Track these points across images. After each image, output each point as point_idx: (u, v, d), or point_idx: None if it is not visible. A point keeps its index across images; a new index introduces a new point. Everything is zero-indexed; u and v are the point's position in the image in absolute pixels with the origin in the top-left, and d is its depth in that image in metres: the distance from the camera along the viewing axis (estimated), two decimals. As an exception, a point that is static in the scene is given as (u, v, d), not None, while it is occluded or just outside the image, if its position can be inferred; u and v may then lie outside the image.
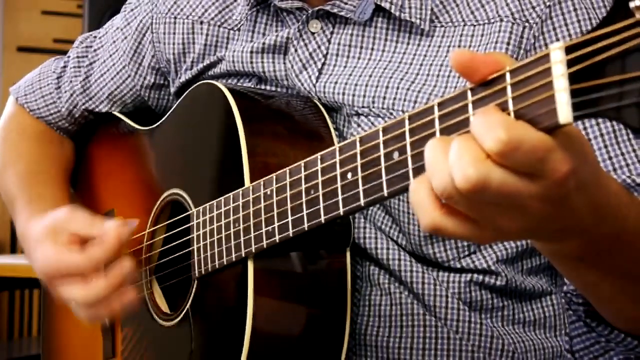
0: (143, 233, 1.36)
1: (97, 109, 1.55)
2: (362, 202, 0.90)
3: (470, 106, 0.74)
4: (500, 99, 0.71)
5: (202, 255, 1.20)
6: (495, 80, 0.72)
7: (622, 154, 1.12)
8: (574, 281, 0.96)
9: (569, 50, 0.66)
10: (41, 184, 1.52)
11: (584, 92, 0.65)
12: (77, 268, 1.21)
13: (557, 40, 1.16)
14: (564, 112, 0.66)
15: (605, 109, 0.64)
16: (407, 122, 0.81)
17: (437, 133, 0.78)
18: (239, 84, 1.35)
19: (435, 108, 0.78)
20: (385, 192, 0.85)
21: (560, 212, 0.76)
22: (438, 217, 0.75)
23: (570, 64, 0.66)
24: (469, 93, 0.74)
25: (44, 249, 1.25)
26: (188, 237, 1.24)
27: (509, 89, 0.71)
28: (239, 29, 1.36)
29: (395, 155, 0.83)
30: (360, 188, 0.89)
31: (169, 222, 1.33)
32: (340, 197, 0.94)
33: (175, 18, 1.42)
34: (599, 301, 0.97)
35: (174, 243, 1.28)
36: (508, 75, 0.71)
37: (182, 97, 1.35)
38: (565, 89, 0.66)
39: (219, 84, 1.24)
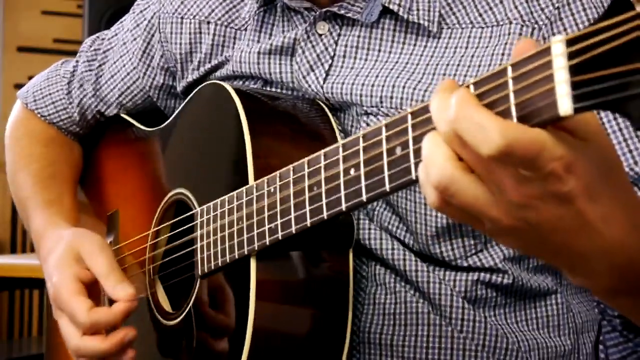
0: (147, 232, 1.36)
1: (108, 111, 1.57)
2: (364, 197, 0.90)
3: (472, 100, 0.74)
4: (502, 93, 0.71)
5: (205, 254, 1.20)
6: (496, 74, 0.72)
7: None
8: (611, 306, 0.94)
9: (569, 43, 0.67)
10: (56, 187, 1.53)
11: (586, 85, 0.65)
12: (77, 321, 1.25)
13: None
14: (564, 104, 0.66)
15: (607, 100, 0.64)
16: (409, 117, 0.82)
17: None
18: (244, 85, 1.35)
19: None
20: (387, 187, 0.86)
21: (570, 218, 0.73)
22: (452, 170, 0.72)
23: (571, 56, 0.66)
24: (472, 87, 0.74)
25: (61, 275, 1.29)
26: (191, 236, 1.24)
27: (510, 82, 0.71)
28: (245, 29, 1.37)
29: (398, 150, 0.83)
30: (363, 183, 0.90)
31: (172, 221, 1.33)
32: (342, 193, 0.94)
33: (182, 18, 1.43)
34: (637, 320, 0.95)
35: (178, 242, 1.29)
36: (509, 69, 0.71)
37: (188, 98, 1.35)
38: (566, 81, 0.66)
39: (225, 84, 1.24)
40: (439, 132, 0.73)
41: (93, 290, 1.28)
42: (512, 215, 0.73)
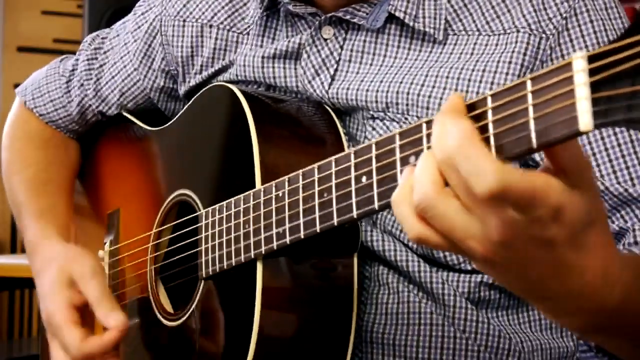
0: (149, 233, 1.36)
1: (109, 112, 1.56)
2: (376, 205, 0.90)
3: (489, 113, 0.75)
4: (521, 106, 0.72)
5: (210, 256, 1.20)
6: (515, 87, 0.73)
7: None
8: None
9: (591, 59, 0.67)
10: (50, 194, 1.54)
11: (606, 101, 0.66)
12: (69, 351, 1.27)
13: (574, 51, 1.17)
14: (585, 120, 0.67)
15: (627, 118, 0.65)
16: (424, 127, 0.82)
17: None
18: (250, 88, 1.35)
19: None
20: None
21: (547, 261, 0.76)
22: (422, 229, 0.77)
23: (592, 73, 0.67)
24: (489, 99, 0.75)
25: (54, 300, 1.31)
26: (195, 238, 1.24)
27: (529, 96, 0.71)
28: (248, 33, 1.37)
29: (412, 159, 0.84)
30: (375, 191, 0.90)
31: (175, 222, 1.33)
32: (354, 200, 0.94)
33: (184, 21, 1.43)
34: (611, 349, 0.98)
35: (181, 243, 1.29)
36: (529, 83, 0.71)
37: (194, 98, 1.35)
38: (587, 98, 0.67)
39: (232, 86, 1.25)
40: (434, 156, 0.75)
41: (87, 311, 1.30)
42: (488, 249, 0.75)
